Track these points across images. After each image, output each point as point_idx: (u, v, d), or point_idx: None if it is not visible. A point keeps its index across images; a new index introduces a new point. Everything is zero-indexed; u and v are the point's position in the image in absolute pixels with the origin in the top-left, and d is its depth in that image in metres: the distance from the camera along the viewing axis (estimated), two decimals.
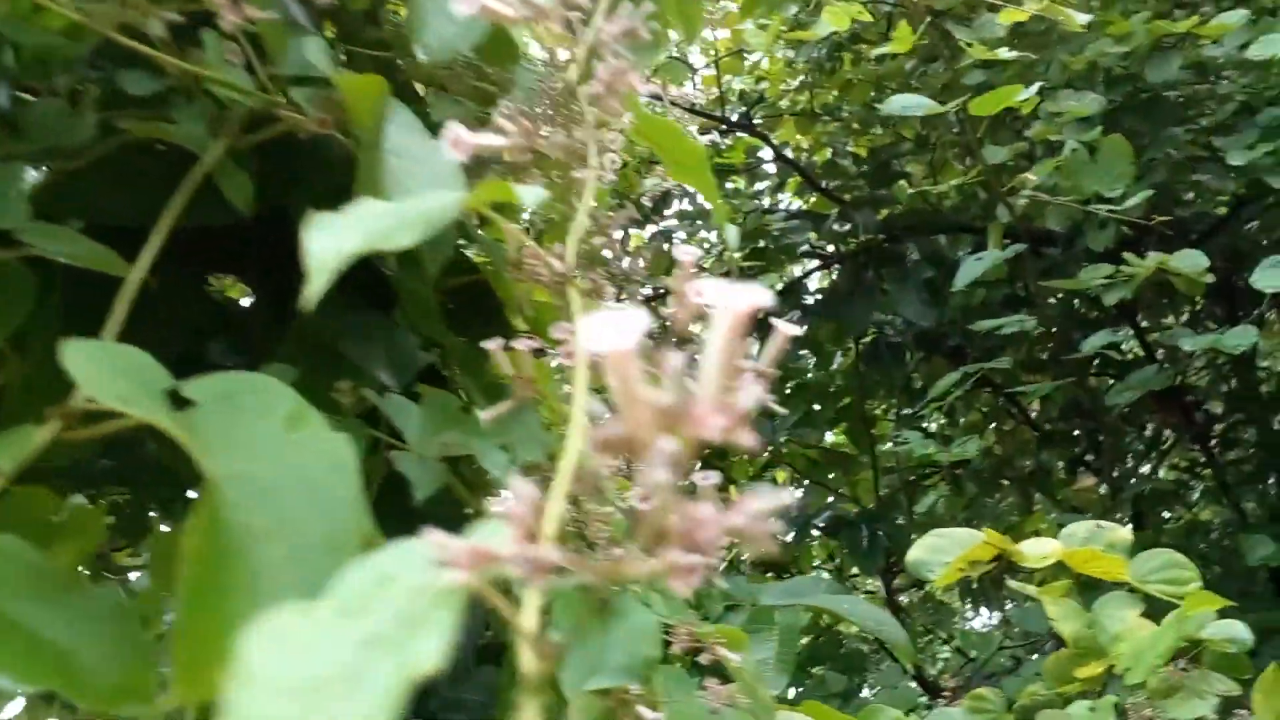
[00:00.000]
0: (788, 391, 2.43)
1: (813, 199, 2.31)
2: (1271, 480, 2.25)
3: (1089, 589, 0.76)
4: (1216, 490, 2.29)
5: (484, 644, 0.85)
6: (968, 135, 1.61)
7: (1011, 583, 0.73)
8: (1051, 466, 2.25)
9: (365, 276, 0.58)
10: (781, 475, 2.65)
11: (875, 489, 2.21)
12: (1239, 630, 0.82)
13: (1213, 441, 2.32)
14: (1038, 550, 0.71)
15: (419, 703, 0.84)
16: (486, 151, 0.28)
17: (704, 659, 0.55)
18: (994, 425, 2.40)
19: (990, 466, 2.17)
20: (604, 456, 0.15)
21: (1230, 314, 2.48)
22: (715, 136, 2.30)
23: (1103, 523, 0.73)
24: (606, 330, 0.15)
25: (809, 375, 2.41)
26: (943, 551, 0.73)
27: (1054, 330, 1.98)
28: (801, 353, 2.42)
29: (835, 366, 2.31)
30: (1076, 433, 2.26)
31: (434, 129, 0.42)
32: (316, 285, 0.19)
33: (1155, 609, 0.78)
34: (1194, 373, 2.60)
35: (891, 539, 1.83)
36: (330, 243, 0.20)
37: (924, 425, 2.23)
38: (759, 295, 0.16)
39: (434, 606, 0.14)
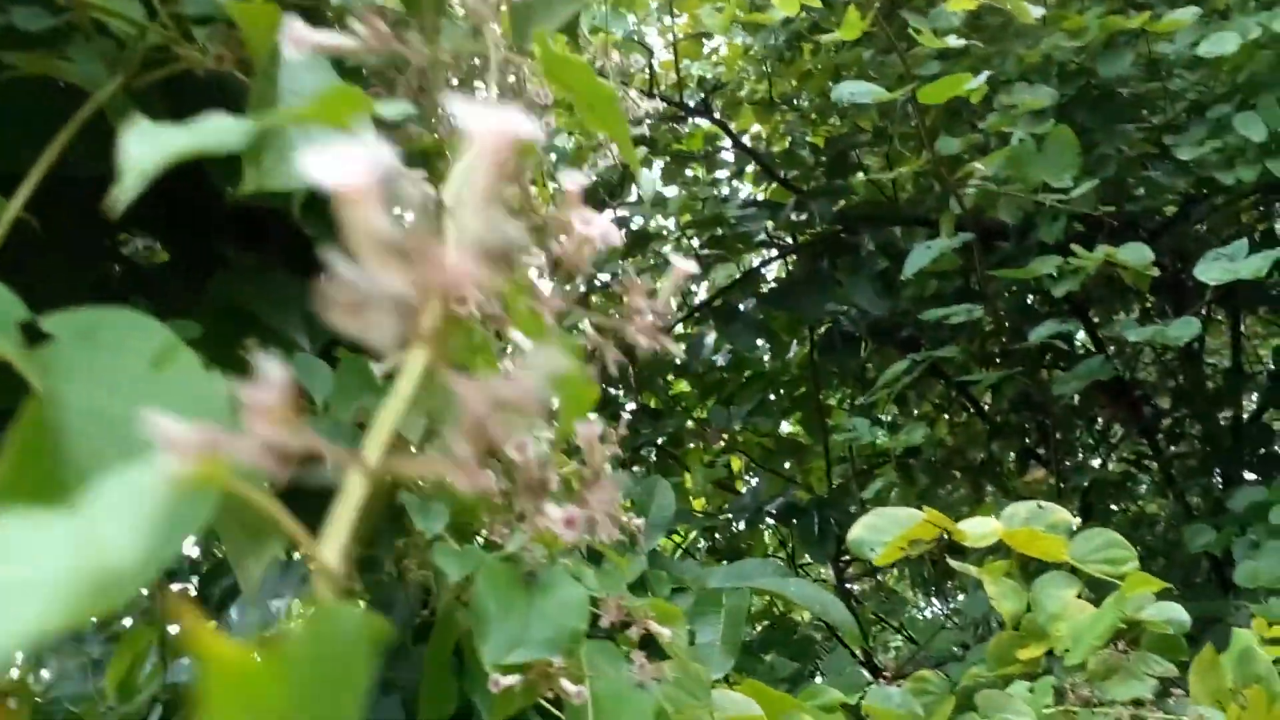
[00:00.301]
0: (744, 380, 2.43)
1: (771, 188, 2.31)
2: (1215, 474, 2.29)
3: (1035, 574, 0.76)
4: (1162, 483, 2.33)
5: (421, 623, 0.83)
6: (922, 127, 1.61)
7: (953, 562, 0.73)
8: (1002, 458, 2.28)
9: (286, 240, 0.55)
10: (737, 463, 2.66)
11: (828, 478, 2.21)
12: (1177, 612, 0.83)
13: (1159, 436, 2.36)
14: (979, 530, 0.70)
15: None
16: (333, 52, 0.26)
17: (634, 633, 0.53)
18: (946, 417, 2.42)
19: (942, 457, 2.19)
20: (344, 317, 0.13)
21: (1178, 311, 2.52)
22: (674, 123, 2.29)
23: (1044, 504, 0.72)
24: (340, 160, 0.13)
25: (765, 365, 2.41)
26: (883, 531, 0.72)
27: (1006, 324, 2.00)
28: (759, 342, 2.42)
29: (790, 356, 2.31)
30: (1027, 425, 2.29)
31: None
32: (127, 186, 0.17)
33: (1095, 592, 0.78)
34: (1143, 368, 2.64)
35: (843, 526, 1.83)
36: (150, 147, 0.18)
37: (877, 415, 2.24)
38: (518, 121, 0.14)
39: (140, 497, 0.12)
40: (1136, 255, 1.41)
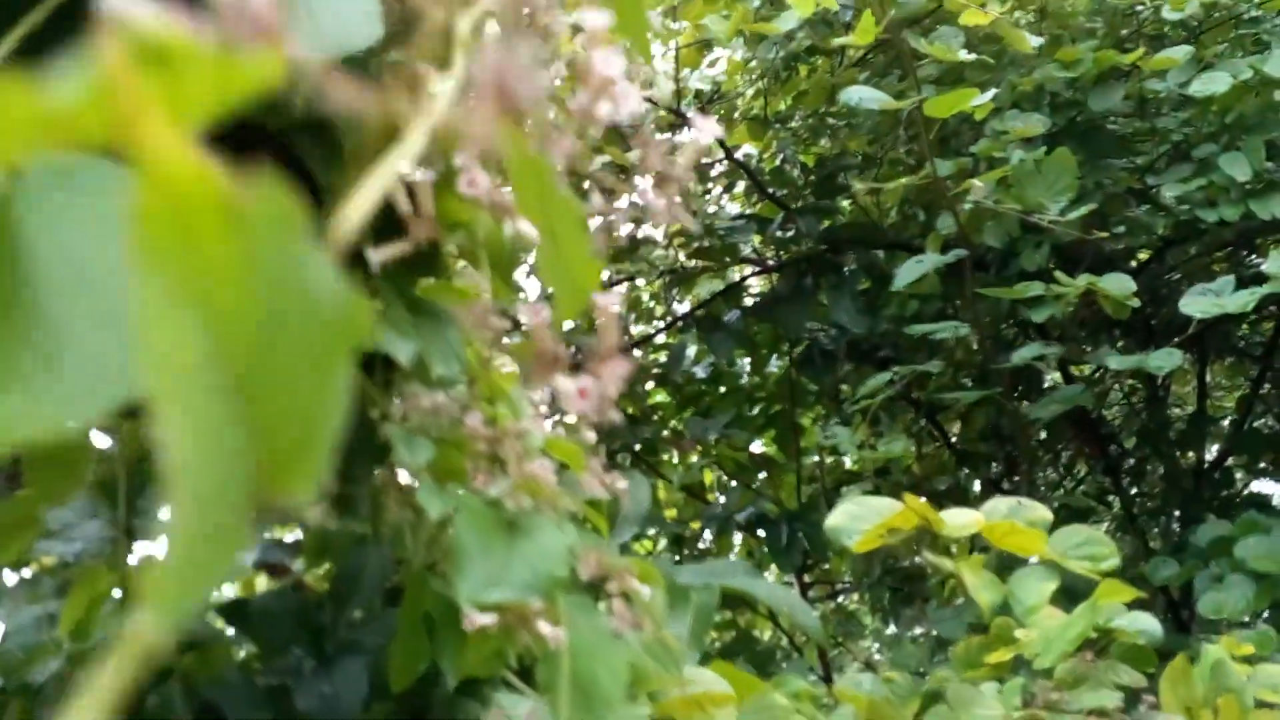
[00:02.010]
0: (722, 394, 2.44)
1: (759, 205, 2.32)
2: (1175, 515, 2.32)
3: (1008, 569, 0.76)
4: (1123, 521, 2.36)
5: (392, 587, 0.81)
6: (917, 146, 1.63)
7: (929, 556, 0.73)
8: (968, 486, 2.29)
9: (284, 167, 0.54)
10: (709, 476, 2.65)
11: (798, 494, 2.21)
12: (1148, 623, 0.83)
13: (1123, 474, 2.39)
14: (959, 520, 0.70)
15: (314, 645, 0.79)
16: None
17: (613, 588, 0.52)
18: (914, 446, 2.44)
19: (909, 483, 2.20)
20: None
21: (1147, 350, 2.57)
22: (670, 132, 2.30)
23: (1023, 500, 0.72)
24: None
25: (743, 380, 2.42)
26: (861, 519, 0.71)
27: (986, 345, 2.02)
28: (741, 360, 2.42)
29: (770, 370, 2.32)
30: (994, 456, 2.30)
31: None
32: None
33: (1071, 595, 0.78)
34: (1109, 407, 2.68)
35: (810, 539, 1.83)
36: None
37: (852, 434, 2.25)
38: None
39: None
40: (1118, 285, 1.43)
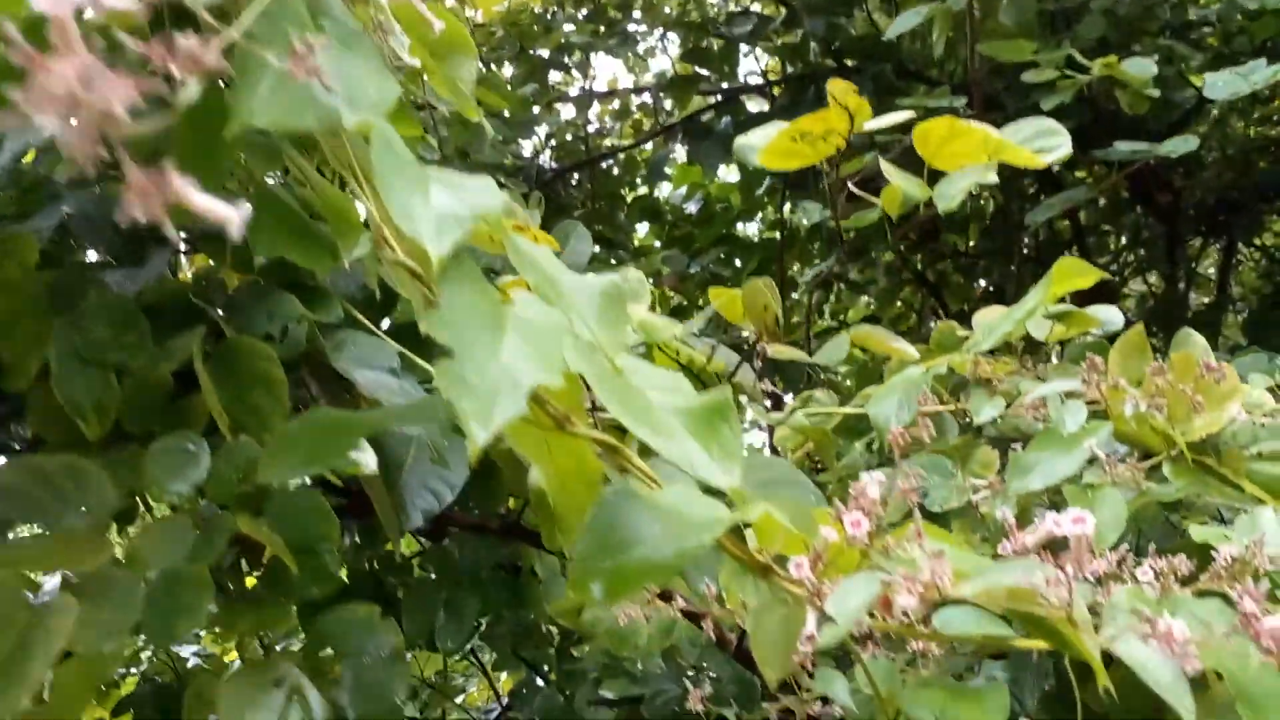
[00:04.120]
0: (712, 224, 2.32)
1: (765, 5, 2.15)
2: None
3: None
4: None
5: None
6: None
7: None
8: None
9: None
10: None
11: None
12: (1110, 313, 0.72)
13: None
14: (882, 121, 0.58)
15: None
16: None
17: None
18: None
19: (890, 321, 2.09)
20: None
21: (1171, 239, 2.42)
22: None
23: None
24: None
25: (735, 199, 2.28)
26: (767, 136, 0.60)
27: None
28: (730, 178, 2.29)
29: (760, 192, 2.18)
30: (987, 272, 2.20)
31: None
32: None
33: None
34: (1125, 297, 2.54)
35: (784, 374, 1.72)
36: None
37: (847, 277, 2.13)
38: None
39: None
40: (1139, 69, 1.28)
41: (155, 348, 0.55)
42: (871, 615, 0.37)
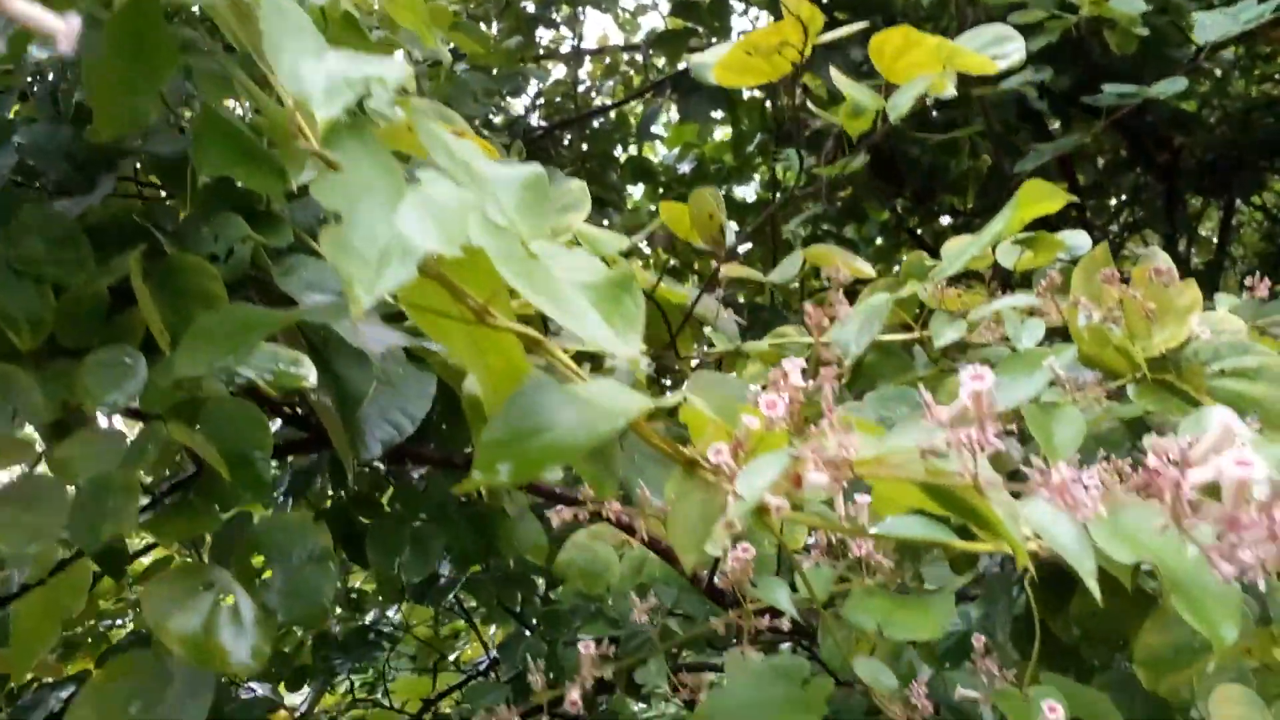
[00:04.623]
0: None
1: None
2: None
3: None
4: None
5: None
6: None
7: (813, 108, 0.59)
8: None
9: None
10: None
11: (771, 299, 2.08)
12: (1080, 239, 0.71)
13: None
14: (839, 32, 0.57)
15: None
16: None
17: None
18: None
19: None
20: None
21: (1170, 197, 2.39)
22: None
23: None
24: None
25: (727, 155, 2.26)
26: (717, 52, 0.58)
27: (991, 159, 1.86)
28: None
29: (751, 149, 2.15)
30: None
31: None
32: None
33: None
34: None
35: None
36: None
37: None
38: None
39: None
40: (1127, 5, 1.25)
41: (97, 268, 0.54)
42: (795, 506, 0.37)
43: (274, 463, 0.99)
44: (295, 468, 0.94)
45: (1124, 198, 2.59)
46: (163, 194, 0.71)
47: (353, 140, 0.31)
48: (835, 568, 0.48)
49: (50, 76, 0.84)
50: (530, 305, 0.38)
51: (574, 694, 0.49)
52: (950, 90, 0.57)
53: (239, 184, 0.68)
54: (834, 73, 0.58)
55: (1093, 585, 0.29)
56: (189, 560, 0.76)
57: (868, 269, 0.69)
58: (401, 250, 0.29)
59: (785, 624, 0.51)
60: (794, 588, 0.56)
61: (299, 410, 0.80)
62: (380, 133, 0.55)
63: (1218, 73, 2.35)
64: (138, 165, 0.72)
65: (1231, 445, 0.25)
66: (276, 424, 0.91)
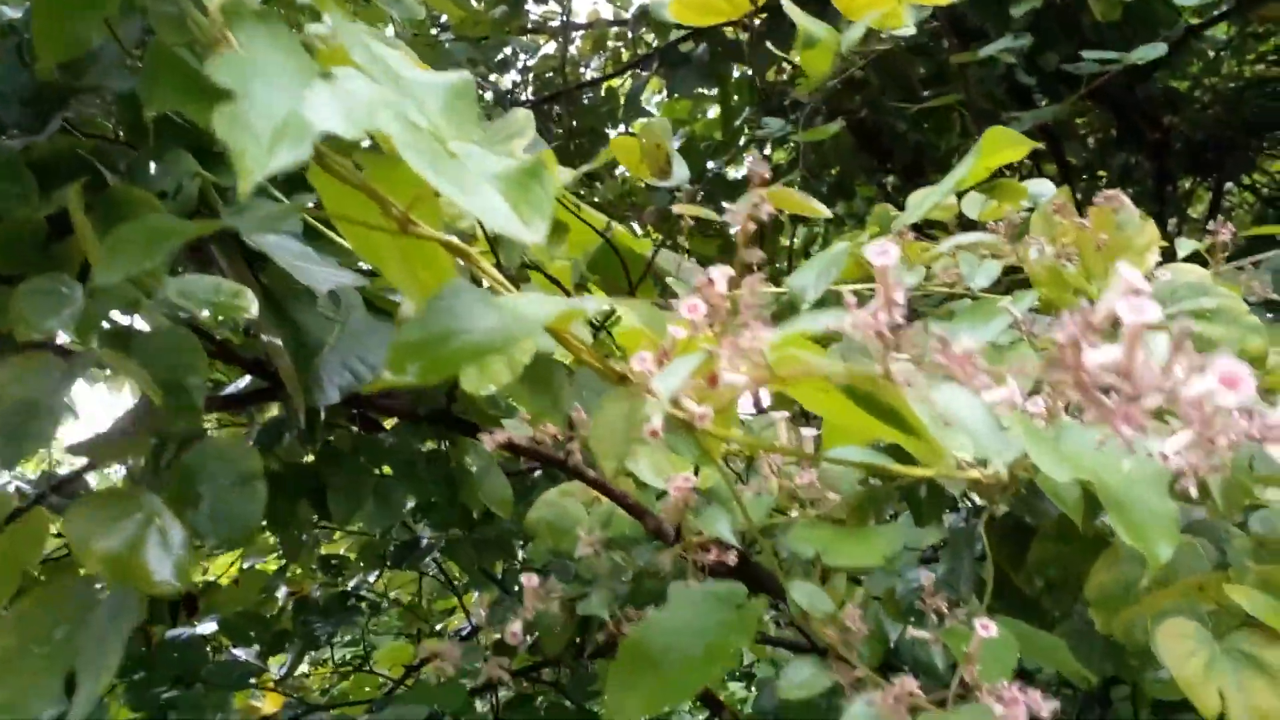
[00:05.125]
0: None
1: None
2: None
3: None
4: None
5: None
6: None
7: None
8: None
9: None
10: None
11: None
12: (1044, 186, 0.70)
13: None
14: None
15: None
16: None
17: None
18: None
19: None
20: None
21: (1160, 175, 2.38)
22: None
23: None
24: None
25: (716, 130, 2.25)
26: None
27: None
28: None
29: (739, 124, 2.14)
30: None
31: None
32: None
33: None
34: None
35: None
36: None
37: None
38: None
39: None
40: None
41: (41, 201, 0.54)
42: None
43: (240, 416, 0.98)
44: (263, 425, 0.93)
45: (1114, 178, 2.58)
46: (120, 134, 0.70)
47: (256, 23, 0.31)
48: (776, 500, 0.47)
49: (25, 36, 0.83)
50: (468, 226, 0.38)
51: (515, 626, 0.48)
52: (909, 26, 0.56)
53: (194, 123, 0.67)
54: (787, 4, 0.57)
55: (1000, 466, 0.28)
56: (114, 485, 0.76)
57: (823, 209, 0.69)
58: (299, 129, 0.28)
59: (732, 558, 0.51)
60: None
61: (262, 361, 0.79)
62: (320, 55, 0.54)
63: (1210, 53, 2.33)
64: (110, 108, 0.72)
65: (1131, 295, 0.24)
66: (246, 380, 0.91)
